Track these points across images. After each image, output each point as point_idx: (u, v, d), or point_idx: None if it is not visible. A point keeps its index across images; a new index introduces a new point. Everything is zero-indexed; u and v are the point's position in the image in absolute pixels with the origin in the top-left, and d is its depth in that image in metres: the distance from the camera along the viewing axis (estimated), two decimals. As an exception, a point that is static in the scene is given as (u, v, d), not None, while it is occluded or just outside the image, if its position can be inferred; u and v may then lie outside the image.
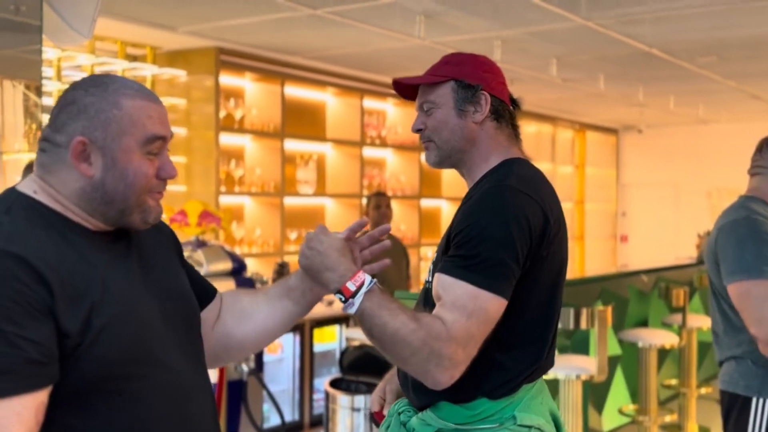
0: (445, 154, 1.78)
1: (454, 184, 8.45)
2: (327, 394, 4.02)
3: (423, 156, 7.30)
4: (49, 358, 1.20)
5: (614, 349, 5.01)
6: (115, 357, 1.26)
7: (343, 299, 1.54)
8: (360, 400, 3.88)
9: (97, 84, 1.35)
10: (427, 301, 1.71)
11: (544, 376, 1.80)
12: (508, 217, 1.59)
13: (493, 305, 1.56)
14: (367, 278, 1.55)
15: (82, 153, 1.31)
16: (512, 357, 1.66)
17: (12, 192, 1.35)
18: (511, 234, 1.57)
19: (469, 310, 1.54)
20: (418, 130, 1.80)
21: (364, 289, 1.54)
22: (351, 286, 1.53)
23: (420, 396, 1.74)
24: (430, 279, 1.72)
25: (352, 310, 1.54)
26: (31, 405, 1.18)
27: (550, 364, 1.77)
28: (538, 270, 1.64)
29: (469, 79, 1.74)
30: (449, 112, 1.75)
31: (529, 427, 1.66)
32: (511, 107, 1.81)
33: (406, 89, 1.84)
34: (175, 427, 1.35)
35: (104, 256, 1.33)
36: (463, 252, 1.58)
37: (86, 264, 1.29)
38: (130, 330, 1.29)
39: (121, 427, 1.28)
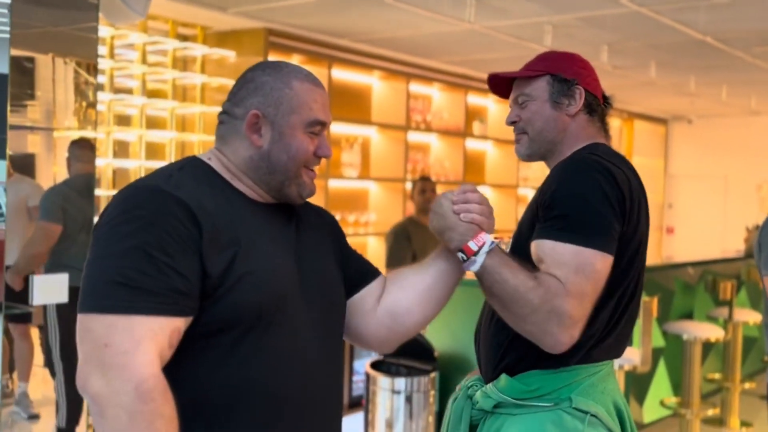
0: (536, 146, 1.82)
1: (497, 170, 8.40)
2: (368, 376, 4.05)
3: (466, 142, 7.13)
4: (190, 291, 1.33)
5: (658, 340, 4.97)
6: (247, 305, 1.37)
7: (465, 258, 1.58)
8: (400, 382, 3.90)
9: (273, 66, 1.53)
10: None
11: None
12: (596, 176, 1.61)
13: (597, 260, 1.57)
14: (488, 239, 1.59)
15: (254, 125, 1.48)
16: None
17: (191, 157, 1.54)
18: (603, 189, 1.59)
19: (575, 266, 1.55)
20: (512, 123, 1.84)
21: (486, 248, 1.57)
22: (473, 245, 1.57)
23: (486, 368, 1.79)
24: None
25: (474, 268, 1.58)
26: (167, 328, 1.31)
27: (614, 351, 1.74)
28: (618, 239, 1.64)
29: (565, 73, 1.80)
30: (544, 104, 1.80)
31: (586, 412, 1.66)
32: (603, 105, 1.86)
33: (499, 87, 1.89)
34: (289, 388, 1.43)
35: (259, 220, 1.48)
36: (556, 213, 1.61)
37: (240, 220, 1.43)
38: (266, 284, 1.40)
39: (238, 372, 1.38)
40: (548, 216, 1.62)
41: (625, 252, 1.66)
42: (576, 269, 1.55)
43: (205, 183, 1.45)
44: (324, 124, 1.52)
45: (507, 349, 1.72)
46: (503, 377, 1.71)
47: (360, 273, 1.68)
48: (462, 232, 1.58)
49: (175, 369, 1.33)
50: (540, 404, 1.67)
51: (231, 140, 1.50)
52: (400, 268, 1.74)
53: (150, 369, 1.27)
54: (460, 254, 1.59)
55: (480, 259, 1.57)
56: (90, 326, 1.29)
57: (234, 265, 1.37)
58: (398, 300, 1.64)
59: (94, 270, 1.33)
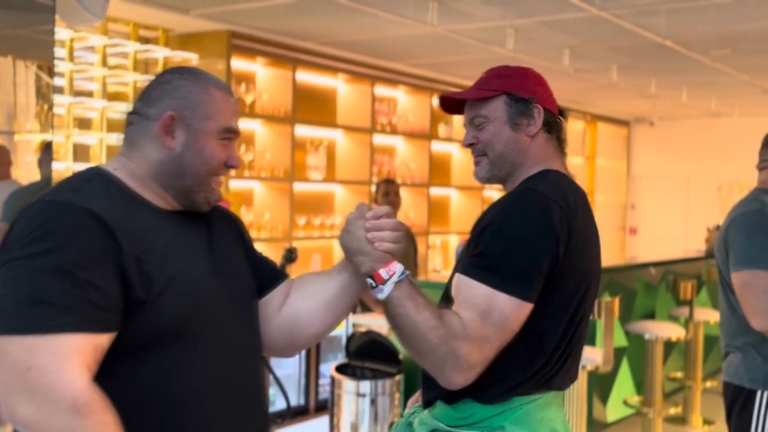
0: (497, 169, 1.76)
1: (463, 173, 8.43)
2: (333, 380, 4.04)
3: (431, 144, 7.19)
4: (111, 306, 1.29)
5: (620, 340, 5.02)
6: (172, 315, 1.35)
7: (374, 284, 1.55)
8: (365, 385, 3.90)
9: (189, 72, 1.52)
10: (449, 295, 1.69)
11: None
12: (528, 219, 1.57)
13: (510, 308, 1.53)
14: (399, 268, 1.55)
15: (168, 126, 1.45)
16: (504, 361, 1.60)
17: (95, 168, 1.48)
18: (531, 235, 1.55)
19: (483, 310, 1.52)
20: (469, 145, 1.78)
21: (395, 278, 1.54)
22: (384, 273, 1.54)
23: (423, 393, 1.76)
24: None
25: (381, 296, 1.55)
26: (91, 344, 1.26)
27: (560, 381, 1.69)
28: (550, 278, 1.59)
29: (522, 92, 1.73)
30: (503, 126, 1.74)
31: None
32: (559, 119, 1.80)
33: (451, 105, 1.83)
34: (221, 390, 1.42)
35: (171, 229, 1.45)
36: (480, 250, 1.57)
37: (153, 231, 1.40)
38: (188, 292, 1.39)
39: (172, 381, 1.36)
40: (474, 251, 1.59)
41: (561, 292, 1.62)
42: (484, 313, 1.51)
43: (115, 194, 1.41)
44: (236, 133, 1.51)
45: None
46: (439, 404, 1.68)
47: (267, 276, 1.65)
48: (375, 259, 1.55)
49: (102, 388, 1.27)
50: None
51: (141, 143, 1.47)
52: (306, 275, 1.71)
53: (82, 382, 1.22)
54: (369, 280, 1.55)
55: (387, 288, 1.53)
56: (8, 350, 1.21)
57: (155, 277, 1.34)
58: (300, 310, 1.62)
59: (8, 290, 1.25)
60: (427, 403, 1.74)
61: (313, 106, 6.74)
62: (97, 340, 1.27)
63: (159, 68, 5.68)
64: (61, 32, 4.81)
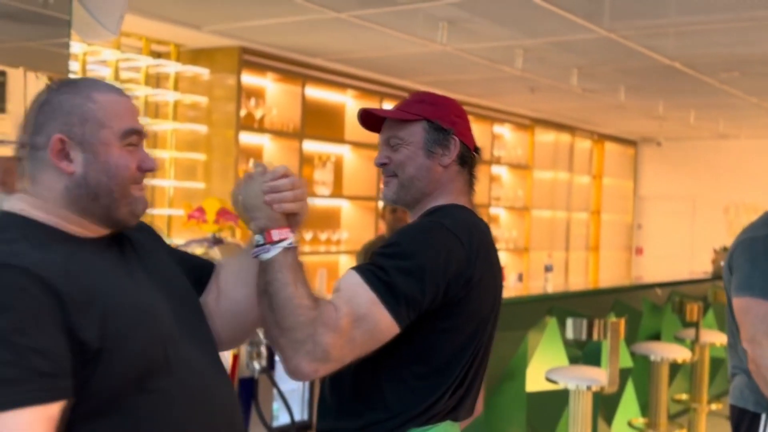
0: (404, 192, 1.76)
1: (470, 190, 8.44)
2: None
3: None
4: (59, 371, 1.18)
5: (626, 361, 5.00)
6: (136, 358, 1.26)
7: (262, 242, 1.49)
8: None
9: (67, 83, 1.39)
10: None
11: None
12: (428, 250, 1.58)
13: (385, 323, 1.52)
14: (293, 237, 1.51)
15: (61, 151, 1.32)
16: (398, 396, 1.62)
17: (2, 214, 1.35)
18: (426, 269, 1.55)
19: (362, 313, 1.50)
20: (381, 164, 1.79)
21: (285, 243, 1.49)
22: (276, 234, 1.49)
23: (318, 423, 1.74)
24: None
25: (266, 256, 1.49)
26: (42, 417, 1.16)
27: (457, 414, 1.69)
28: (445, 313, 1.60)
29: (442, 122, 1.74)
30: (417, 151, 1.74)
31: None
32: (474, 155, 1.81)
33: (369, 121, 1.83)
34: (204, 421, 1.36)
35: (105, 262, 1.34)
36: (379, 262, 1.56)
37: (90, 271, 1.28)
38: (146, 330, 1.29)
39: (152, 428, 1.28)
40: (373, 260, 1.58)
41: (459, 330, 1.63)
42: (361, 316, 1.50)
43: (37, 239, 1.28)
44: (140, 133, 1.37)
45: (339, 411, 1.68)
46: None
47: (198, 271, 1.57)
48: (271, 218, 1.49)
49: None
50: None
51: (39, 175, 1.33)
52: (226, 260, 1.67)
53: None
54: (258, 237, 1.50)
55: (275, 250, 1.48)
56: None
57: (107, 323, 1.23)
58: (236, 300, 1.55)
59: None
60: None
61: (321, 122, 6.77)
62: (49, 412, 1.16)
63: (170, 83, 5.73)
64: (75, 46, 4.85)
